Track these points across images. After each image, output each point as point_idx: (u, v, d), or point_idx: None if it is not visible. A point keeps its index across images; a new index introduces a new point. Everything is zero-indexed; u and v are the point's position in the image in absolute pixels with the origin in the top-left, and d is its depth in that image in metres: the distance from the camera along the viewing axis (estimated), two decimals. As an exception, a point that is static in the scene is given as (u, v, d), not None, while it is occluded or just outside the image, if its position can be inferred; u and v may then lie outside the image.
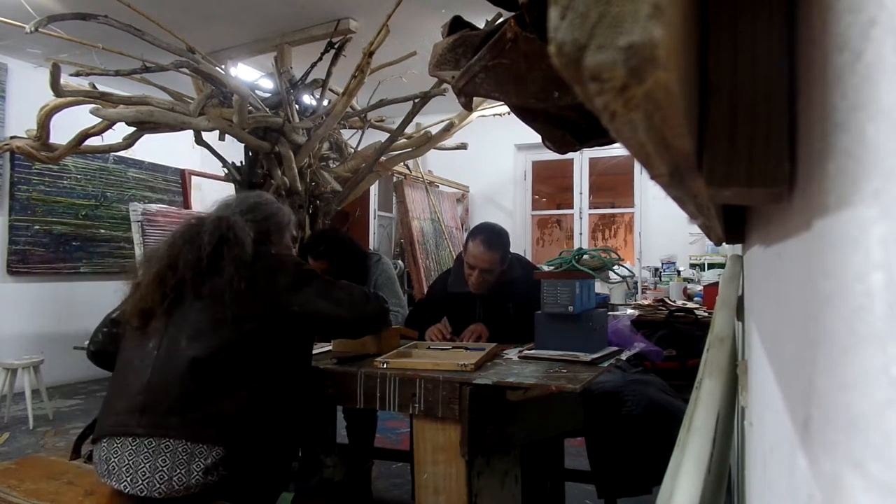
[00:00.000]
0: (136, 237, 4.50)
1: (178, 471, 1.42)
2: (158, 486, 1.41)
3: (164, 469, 1.42)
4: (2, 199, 4.94)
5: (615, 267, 2.04)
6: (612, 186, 7.24)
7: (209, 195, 6.29)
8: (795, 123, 0.32)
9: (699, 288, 4.41)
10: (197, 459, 1.43)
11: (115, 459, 1.45)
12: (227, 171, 4.00)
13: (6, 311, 4.94)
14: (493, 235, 2.31)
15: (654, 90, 0.21)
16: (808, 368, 0.30)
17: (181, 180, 6.17)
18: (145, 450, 1.43)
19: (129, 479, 1.42)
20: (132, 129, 3.61)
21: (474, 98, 0.74)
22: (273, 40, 4.48)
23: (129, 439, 1.45)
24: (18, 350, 4.67)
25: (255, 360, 1.54)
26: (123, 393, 1.52)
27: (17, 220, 5.01)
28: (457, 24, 0.74)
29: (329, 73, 3.99)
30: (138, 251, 4.15)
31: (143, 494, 1.41)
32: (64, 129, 3.64)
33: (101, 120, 3.55)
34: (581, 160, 6.04)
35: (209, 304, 1.54)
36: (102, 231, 5.55)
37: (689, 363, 3.30)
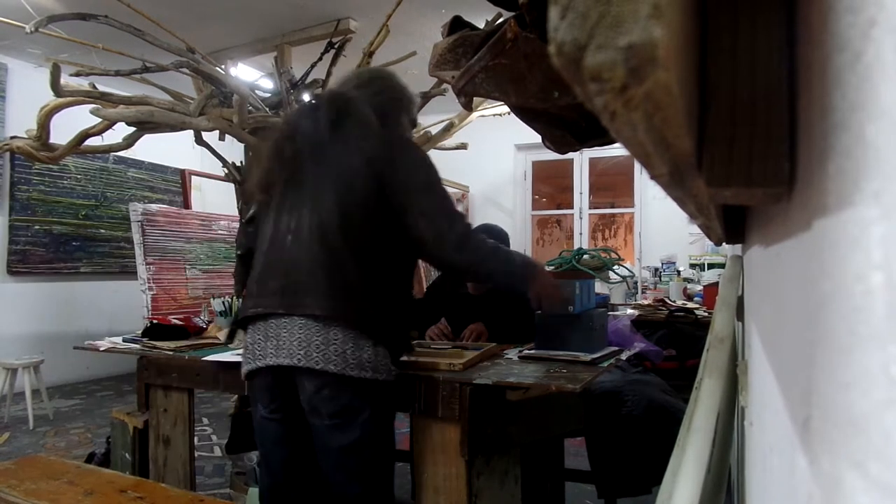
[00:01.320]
0: (136, 237, 4.50)
1: (350, 344, 1.41)
2: (334, 358, 1.40)
3: (337, 342, 1.41)
4: (2, 199, 4.94)
5: (615, 267, 2.02)
6: (612, 186, 7.24)
7: (209, 195, 6.29)
8: (795, 123, 0.32)
9: (699, 288, 4.41)
10: (363, 337, 1.43)
11: (286, 334, 1.43)
12: (227, 171, 4.00)
13: (6, 311, 4.94)
14: (494, 237, 2.31)
15: (654, 90, 0.21)
16: (808, 368, 0.30)
17: (181, 180, 6.17)
18: (317, 325, 1.41)
19: (301, 353, 1.40)
20: (132, 129, 3.61)
21: (474, 98, 0.74)
22: (273, 40, 4.48)
23: (297, 318, 1.43)
24: (18, 350, 4.67)
25: (375, 239, 1.48)
26: (270, 273, 1.49)
27: (18, 220, 5.01)
28: (457, 24, 0.74)
29: (329, 73, 3.99)
30: (138, 251, 4.15)
31: (318, 367, 1.39)
32: (64, 129, 3.64)
33: (101, 120, 3.54)
34: (581, 160, 6.04)
35: (331, 177, 1.48)
36: (102, 231, 5.55)
37: (688, 363, 3.29)
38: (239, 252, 1.77)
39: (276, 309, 1.45)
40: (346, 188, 1.47)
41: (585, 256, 1.93)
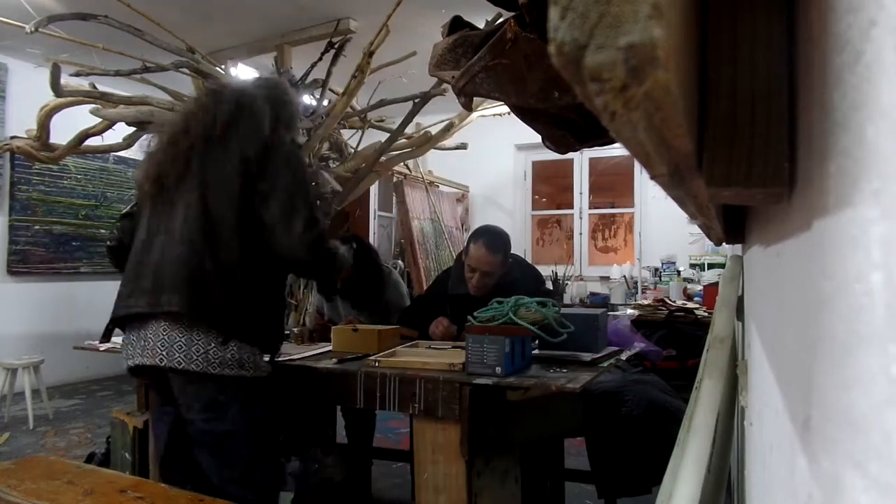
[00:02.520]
0: (136, 237, 4.50)
1: (213, 344, 1.47)
2: (196, 358, 1.47)
3: (200, 342, 1.47)
4: (2, 199, 4.94)
5: (555, 318, 1.79)
6: (612, 186, 7.23)
7: (209, 195, 6.28)
8: (795, 123, 0.32)
9: (699, 288, 4.41)
10: (226, 336, 1.49)
11: (152, 335, 1.50)
12: (227, 171, 4.00)
13: (6, 311, 4.94)
14: (495, 238, 2.31)
15: (653, 90, 0.21)
16: (808, 368, 0.30)
17: (181, 180, 6.17)
18: (180, 326, 1.48)
19: (164, 353, 1.48)
20: (132, 129, 3.61)
21: (474, 98, 0.74)
22: (273, 40, 4.48)
23: (161, 319, 1.49)
24: (18, 350, 4.66)
25: (243, 240, 1.53)
26: (140, 272, 1.55)
27: (18, 220, 5.01)
28: (457, 24, 0.74)
29: (329, 73, 3.98)
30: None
31: (180, 367, 1.47)
32: (64, 129, 3.64)
33: (101, 120, 3.54)
34: (581, 160, 6.04)
35: (208, 177, 1.52)
36: (102, 231, 5.54)
37: (689, 363, 3.30)
38: (112, 244, 1.81)
39: (144, 308, 1.51)
40: (220, 189, 1.52)
41: (522, 308, 1.74)
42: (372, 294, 2.66)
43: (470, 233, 2.63)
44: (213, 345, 1.47)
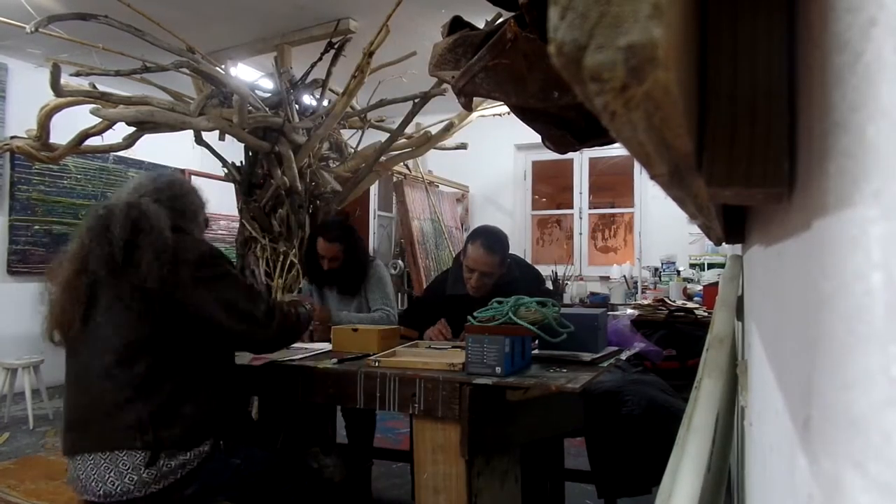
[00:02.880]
0: (136, 237, 4.50)
1: (132, 475, 1.43)
2: (129, 486, 1.44)
3: (128, 471, 1.43)
4: (2, 199, 4.94)
5: (555, 318, 1.82)
6: (612, 186, 7.23)
7: (209, 195, 6.29)
8: (795, 123, 0.32)
9: (699, 288, 4.41)
10: (137, 463, 1.44)
11: (83, 475, 1.46)
12: (227, 171, 4.00)
13: (6, 311, 4.94)
14: (493, 238, 2.31)
15: (653, 90, 0.21)
16: (808, 368, 0.30)
17: (181, 180, 6.17)
18: (104, 462, 1.44)
19: (101, 491, 1.44)
20: (132, 129, 3.61)
21: (474, 98, 0.74)
22: (273, 40, 4.48)
23: (87, 455, 1.46)
24: (18, 350, 4.66)
25: (170, 358, 1.51)
26: (67, 408, 1.54)
27: (17, 220, 5.01)
28: (457, 24, 0.74)
29: (329, 73, 3.99)
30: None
31: (116, 500, 1.44)
32: (64, 129, 3.64)
33: (101, 120, 3.54)
34: (581, 160, 6.04)
35: (130, 302, 1.48)
36: (102, 231, 5.54)
37: (689, 363, 3.30)
38: None
39: (77, 444, 1.49)
40: (137, 320, 1.48)
41: (522, 308, 1.74)
42: (357, 276, 2.63)
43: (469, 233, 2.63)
44: (131, 475, 1.45)
